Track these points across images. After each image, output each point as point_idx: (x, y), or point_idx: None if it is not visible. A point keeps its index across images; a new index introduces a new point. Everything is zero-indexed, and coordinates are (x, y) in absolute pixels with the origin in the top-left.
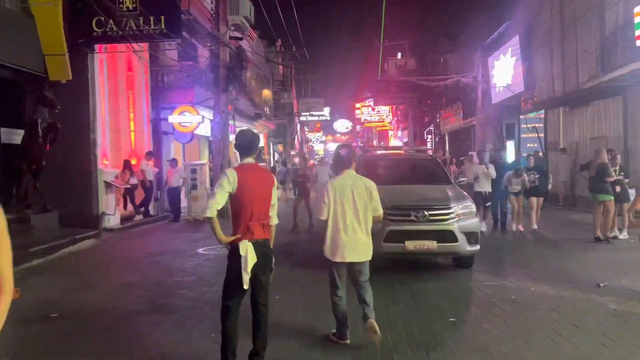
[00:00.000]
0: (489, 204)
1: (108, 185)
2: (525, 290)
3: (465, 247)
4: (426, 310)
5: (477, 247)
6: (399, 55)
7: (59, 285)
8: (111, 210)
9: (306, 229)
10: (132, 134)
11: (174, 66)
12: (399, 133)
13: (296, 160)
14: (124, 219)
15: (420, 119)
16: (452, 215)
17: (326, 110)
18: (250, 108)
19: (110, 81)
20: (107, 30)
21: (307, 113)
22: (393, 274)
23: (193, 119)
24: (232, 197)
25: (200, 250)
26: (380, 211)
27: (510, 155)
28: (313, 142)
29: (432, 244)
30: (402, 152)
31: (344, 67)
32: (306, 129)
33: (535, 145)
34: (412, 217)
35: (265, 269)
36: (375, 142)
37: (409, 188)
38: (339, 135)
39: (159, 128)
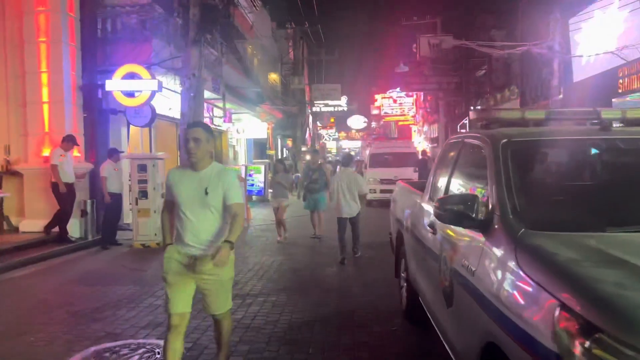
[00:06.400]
0: None
1: None
2: None
3: None
4: None
5: None
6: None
7: None
8: None
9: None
10: (46, 107)
11: (121, 5)
12: (425, 128)
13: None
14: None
15: (451, 111)
16: None
17: (343, 100)
18: (247, 85)
19: None
20: None
21: (322, 102)
22: None
23: (144, 86)
24: None
25: None
26: None
27: None
28: (325, 139)
29: None
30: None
31: (363, 52)
32: (318, 124)
33: None
34: None
35: None
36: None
37: None
38: (354, 131)
39: (97, 101)
